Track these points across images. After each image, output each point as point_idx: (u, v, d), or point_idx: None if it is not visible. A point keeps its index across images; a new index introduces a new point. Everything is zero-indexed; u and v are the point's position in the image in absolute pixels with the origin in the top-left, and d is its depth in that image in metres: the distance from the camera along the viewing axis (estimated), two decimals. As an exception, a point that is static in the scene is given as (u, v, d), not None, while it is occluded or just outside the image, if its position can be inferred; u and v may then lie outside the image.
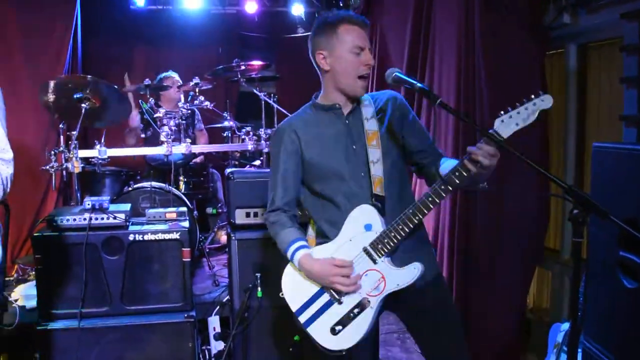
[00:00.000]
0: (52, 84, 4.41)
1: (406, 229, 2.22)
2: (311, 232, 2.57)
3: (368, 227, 2.29)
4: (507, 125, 2.03)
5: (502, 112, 2.03)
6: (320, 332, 2.32)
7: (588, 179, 2.96)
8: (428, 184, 2.53)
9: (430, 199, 2.18)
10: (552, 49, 3.79)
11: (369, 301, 2.28)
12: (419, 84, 2.16)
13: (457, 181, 2.12)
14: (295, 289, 2.39)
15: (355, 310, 2.29)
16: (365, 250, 2.28)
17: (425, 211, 2.20)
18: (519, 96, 3.52)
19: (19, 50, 5.54)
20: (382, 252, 2.26)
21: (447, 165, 2.32)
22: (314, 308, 2.35)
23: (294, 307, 2.38)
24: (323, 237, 2.46)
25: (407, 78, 2.23)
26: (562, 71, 3.77)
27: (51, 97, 4.50)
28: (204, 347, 3.92)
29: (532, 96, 2.01)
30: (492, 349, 3.79)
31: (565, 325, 3.03)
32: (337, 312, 2.30)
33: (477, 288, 3.85)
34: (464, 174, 2.10)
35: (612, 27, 3.19)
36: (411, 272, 2.25)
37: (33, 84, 5.27)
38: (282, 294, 2.44)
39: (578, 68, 3.65)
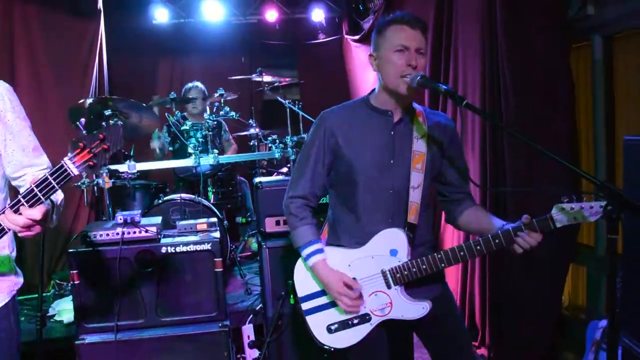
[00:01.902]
0: (80, 105, 4.49)
1: (429, 271, 2.24)
2: (326, 226, 2.58)
3: (393, 252, 2.29)
4: (564, 215, 2.02)
5: (564, 199, 1.98)
6: (317, 325, 2.38)
7: (619, 173, 2.90)
8: (448, 220, 2.55)
9: (462, 253, 2.19)
10: (577, 42, 3.73)
11: (370, 318, 2.32)
12: (444, 87, 2.14)
13: (494, 248, 2.14)
14: (305, 278, 2.44)
15: (355, 320, 2.33)
16: (383, 273, 2.30)
17: (454, 263, 2.22)
18: (545, 93, 3.51)
19: (47, 71, 5.65)
20: (399, 282, 2.28)
21: (477, 217, 2.35)
22: (318, 302, 2.40)
23: (300, 293, 2.44)
24: (333, 237, 2.48)
25: (431, 81, 2.22)
26: (589, 64, 3.71)
27: (82, 120, 4.59)
28: (239, 356, 3.94)
29: (600, 194, 1.95)
30: (529, 350, 3.74)
31: (603, 323, 2.98)
32: (338, 314, 2.35)
33: (510, 288, 3.81)
34: (503, 245, 2.12)
35: (637, 16, 3.14)
36: (419, 310, 2.29)
37: (61, 103, 5.37)
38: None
39: (604, 60, 3.59)
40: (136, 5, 6.85)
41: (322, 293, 2.38)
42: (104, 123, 1.76)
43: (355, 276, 2.32)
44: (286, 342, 3.59)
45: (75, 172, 1.77)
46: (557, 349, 3.80)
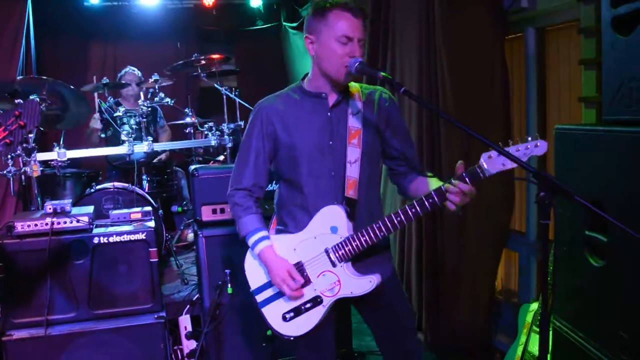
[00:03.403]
0: (6, 85, 4.29)
1: (369, 242, 2.23)
2: (274, 216, 2.56)
3: (334, 229, 2.28)
4: (493, 162, 2.02)
5: (491, 148, 1.95)
6: (272, 315, 2.37)
7: (551, 162, 2.98)
8: (400, 192, 2.54)
9: (399, 219, 2.19)
10: (512, 33, 3.81)
11: (321, 300, 2.31)
12: (382, 73, 2.13)
13: (429, 208, 2.14)
14: (255, 269, 2.41)
15: (308, 305, 2.32)
16: (326, 251, 2.29)
17: (392, 230, 2.21)
18: (482, 81, 3.58)
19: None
20: (343, 258, 2.27)
21: (424, 184, 2.33)
22: (270, 292, 2.38)
23: (252, 286, 2.42)
24: (281, 224, 2.47)
25: (370, 68, 2.21)
26: (522, 55, 3.80)
27: (6, 101, 4.37)
28: (176, 347, 3.87)
29: (529, 138, 1.98)
30: (464, 333, 3.83)
31: (534, 306, 3.07)
32: (290, 301, 2.33)
33: (445, 274, 3.89)
34: (437, 204, 2.11)
35: (570, 10, 3.23)
36: (366, 284, 2.28)
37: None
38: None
39: (537, 51, 3.69)
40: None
41: (272, 283, 2.36)
42: (19, 100, 1.67)
43: (301, 259, 2.31)
44: (224, 331, 3.55)
45: None
46: (491, 332, 3.91)
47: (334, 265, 2.28)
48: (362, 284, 2.27)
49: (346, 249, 2.25)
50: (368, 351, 3.94)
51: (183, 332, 3.87)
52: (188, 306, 3.96)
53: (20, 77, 5.35)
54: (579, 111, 3.16)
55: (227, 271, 3.48)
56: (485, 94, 3.60)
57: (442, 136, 3.76)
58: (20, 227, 3.24)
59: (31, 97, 1.69)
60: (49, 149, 4.47)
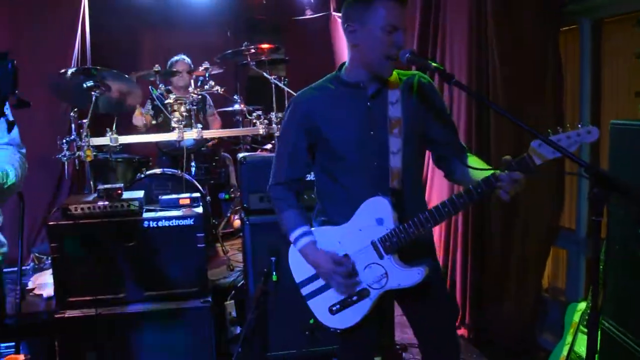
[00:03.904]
0: (62, 74, 4.41)
1: (417, 233, 2.20)
2: (315, 210, 2.54)
3: (380, 221, 2.25)
4: (543, 150, 1.95)
5: (542, 135, 1.91)
6: (318, 308, 2.36)
7: (605, 157, 2.91)
8: (446, 177, 2.49)
9: (446, 209, 2.14)
10: (567, 25, 3.72)
11: (368, 292, 2.28)
12: (433, 64, 2.08)
13: (478, 198, 2.09)
14: (300, 262, 2.40)
15: (354, 298, 2.29)
16: (373, 244, 2.26)
17: (440, 221, 2.17)
18: (534, 74, 3.51)
19: (29, 43, 5.53)
20: (390, 250, 2.24)
21: (472, 169, 2.27)
22: (315, 285, 2.37)
23: (297, 279, 2.42)
24: (323, 215, 2.45)
25: (421, 58, 2.16)
26: (577, 47, 3.71)
27: (62, 87, 4.51)
28: (220, 331, 3.94)
29: (579, 125, 1.92)
30: (509, 331, 3.79)
31: (582, 305, 3.00)
32: (337, 294, 2.32)
33: (491, 270, 3.84)
34: (486, 193, 2.07)
35: (627, 1, 3.14)
36: (414, 276, 2.24)
37: (43, 75, 5.28)
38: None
39: (592, 44, 3.59)
40: (121, -24, 6.72)
41: (318, 276, 2.35)
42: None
43: (347, 252, 2.29)
44: (268, 318, 3.58)
45: None
46: (536, 330, 3.85)
47: (380, 257, 2.26)
48: (410, 276, 2.24)
49: (393, 240, 2.22)
50: (409, 344, 3.92)
51: (228, 317, 3.93)
52: (233, 292, 4.03)
53: (75, 68, 5.49)
54: (634, 106, 3.07)
55: (273, 259, 3.51)
56: (537, 87, 3.53)
57: (491, 128, 3.71)
58: (74, 209, 3.32)
59: (7, 61, 1.57)
60: (102, 134, 4.59)
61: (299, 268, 2.41)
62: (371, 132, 2.30)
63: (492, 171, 2.08)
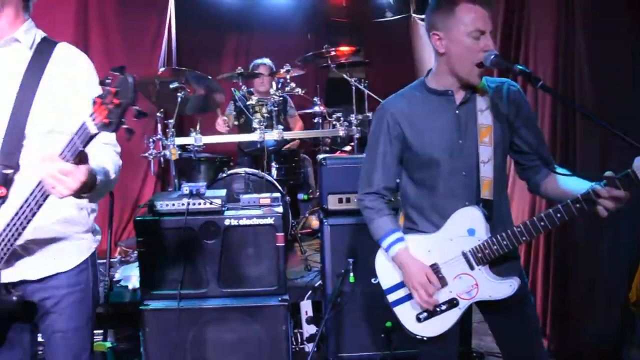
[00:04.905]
0: (150, 76, 4.59)
1: (511, 247, 2.15)
2: (401, 214, 2.52)
3: (471, 232, 2.22)
4: None
5: None
6: (405, 315, 2.33)
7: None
8: (531, 189, 2.42)
9: (542, 223, 2.09)
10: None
11: (458, 302, 2.25)
12: (519, 67, 2.03)
13: (576, 214, 2.02)
14: (388, 268, 2.38)
15: (443, 307, 2.26)
16: (464, 254, 2.23)
17: (535, 235, 2.12)
18: (625, 80, 3.36)
19: (118, 45, 5.79)
20: (482, 261, 2.20)
21: (557, 181, 2.21)
22: (403, 292, 2.34)
23: (384, 285, 2.39)
24: (410, 222, 2.42)
25: (506, 61, 2.11)
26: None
27: (149, 89, 4.69)
28: (296, 331, 3.98)
29: None
30: (592, 344, 3.64)
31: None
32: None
33: (574, 280, 3.70)
34: (585, 209, 2.00)
35: None
36: (506, 288, 2.20)
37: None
38: (374, 280, 2.43)
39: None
40: (206, -20, 6.92)
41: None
42: (115, 73, 1.70)
43: (437, 261, 2.27)
44: (344, 319, 3.59)
45: (95, 130, 1.68)
46: (623, 344, 3.68)
47: (471, 268, 2.22)
48: (501, 288, 2.21)
49: (485, 252, 2.18)
50: (487, 352, 3.84)
51: (304, 317, 3.96)
52: (310, 292, 4.05)
53: (163, 68, 5.69)
54: None
55: (351, 260, 3.51)
56: (629, 91, 3.38)
57: (577, 134, 3.57)
58: (159, 205, 3.43)
59: (128, 75, 1.67)
60: (186, 134, 4.74)
61: (388, 274, 2.38)
62: (460, 142, 2.27)
63: (586, 184, 2.02)
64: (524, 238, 2.13)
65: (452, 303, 2.25)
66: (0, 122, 1.98)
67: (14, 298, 2.01)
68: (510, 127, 2.29)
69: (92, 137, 1.69)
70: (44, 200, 1.84)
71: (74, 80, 2.07)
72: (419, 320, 2.29)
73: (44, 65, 2.03)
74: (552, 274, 3.80)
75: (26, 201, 1.86)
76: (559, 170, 2.25)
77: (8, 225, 1.90)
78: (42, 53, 2.05)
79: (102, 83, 1.65)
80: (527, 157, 2.35)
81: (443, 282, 2.25)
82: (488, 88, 2.29)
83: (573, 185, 2.13)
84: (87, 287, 2.21)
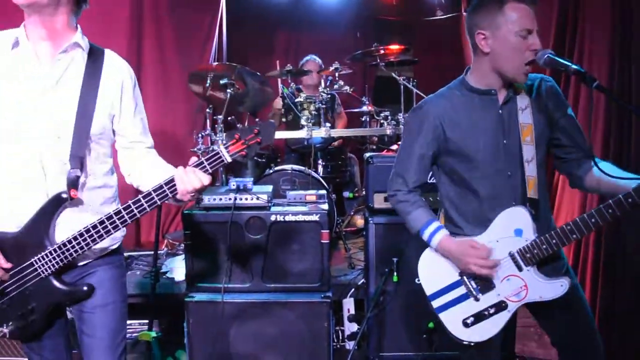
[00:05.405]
0: (200, 72, 4.66)
1: (560, 245, 2.12)
2: (441, 214, 2.50)
3: (518, 232, 2.19)
4: None
5: None
6: (451, 321, 2.30)
7: None
8: (573, 183, 2.36)
9: (593, 220, 2.05)
10: None
11: (506, 305, 2.22)
12: (573, 66, 2.00)
13: (629, 208, 1.98)
14: (431, 274, 2.36)
15: (492, 310, 2.24)
16: (511, 255, 2.20)
17: (586, 232, 2.08)
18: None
19: (171, 42, 5.90)
20: (530, 262, 2.17)
21: (610, 173, 2.12)
22: (448, 297, 2.31)
23: (428, 292, 2.36)
24: (452, 225, 2.39)
25: (561, 59, 2.06)
26: None
27: (199, 85, 4.76)
28: (337, 328, 3.99)
29: None
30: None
31: None
32: (472, 306, 2.26)
33: (624, 285, 3.60)
34: (638, 203, 1.95)
35: None
36: (557, 288, 2.17)
37: (182, 72, 5.61)
38: (418, 280, 2.41)
39: None
40: (257, -23, 6.99)
41: (452, 287, 2.31)
42: (258, 120, 1.91)
43: None
44: (386, 319, 3.58)
45: (228, 159, 1.97)
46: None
47: (520, 269, 2.19)
48: (552, 288, 2.17)
49: (534, 252, 2.16)
50: (530, 357, 3.78)
51: (346, 314, 3.97)
52: (353, 289, 4.05)
53: (215, 63, 5.78)
54: None
55: (395, 259, 3.50)
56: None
57: (633, 135, 3.48)
58: (207, 200, 3.48)
59: (270, 121, 1.94)
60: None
61: (432, 279, 2.36)
62: (504, 141, 2.25)
63: (635, 179, 1.97)
64: (574, 236, 2.09)
65: (500, 306, 2.22)
66: (66, 126, 2.05)
67: (69, 288, 2.09)
68: (550, 122, 2.27)
69: (223, 164, 1.97)
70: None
71: (121, 87, 2.18)
72: (466, 325, 2.26)
73: (100, 69, 2.13)
74: (600, 279, 3.70)
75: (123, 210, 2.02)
76: (604, 168, 2.18)
77: (89, 229, 2.03)
78: (96, 58, 2.14)
79: (233, 123, 1.89)
80: (567, 150, 2.31)
81: (490, 285, 2.23)
82: (525, 86, 2.27)
83: (620, 179, 2.08)
84: (121, 264, 2.33)
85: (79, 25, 2.12)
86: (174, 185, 1.98)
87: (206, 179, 1.96)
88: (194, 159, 1.99)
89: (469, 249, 2.21)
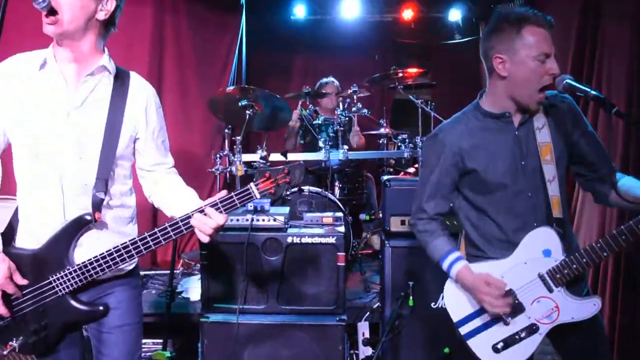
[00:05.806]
0: (220, 93, 4.71)
1: (590, 264, 2.09)
2: (462, 240, 2.48)
3: (547, 253, 2.17)
4: None
5: None
6: (481, 347, 2.26)
7: None
8: (598, 199, 2.32)
9: (624, 237, 2.02)
10: None
11: (538, 327, 2.19)
12: (592, 92, 1.99)
13: None
14: (459, 299, 2.33)
15: (522, 334, 2.20)
16: (540, 276, 2.17)
17: (616, 249, 2.05)
18: None
19: (191, 62, 5.99)
20: (560, 282, 2.14)
21: (627, 189, 2.10)
22: (477, 322, 2.28)
23: (455, 318, 2.32)
24: (474, 249, 2.37)
25: (580, 85, 2.05)
26: None
27: (219, 105, 4.82)
28: (352, 351, 3.95)
29: None
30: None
31: None
32: (502, 331, 2.22)
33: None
34: None
35: None
36: (589, 308, 2.14)
37: (201, 92, 5.69)
38: (442, 304, 2.38)
39: None
40: (276, 0, 7.07)
41: (479, 313, 2.27)
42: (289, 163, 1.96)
43: (512, 287, 2.21)
44: (401, 343, 3.55)
45: (258, 196, 2.04)
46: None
47: (550, 290, 2.16)
48: (584, 308, 2.14)
49: (564, 272, 2.12)
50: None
51: (360, 338, 3.93)
52: (368, 313, 4.02)
53: (232, 87, 5.84)
54: None
55: (411, 283, 3.48)
56: None
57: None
58: (224, 220, 3.50)
59: (300, 163, 2.06)
60: (252, 151, 4.82)
61: (458, 305, 2.33)
62: (522, 162, 2.24)
63: None
64: (605, 254, 2.06)
65: (531, 329, 2.19)
66: (89, 147, 2.08)
67: (85, 307, 2.11)
68: (569, 140, 2.25)
69: (252, 200, 2.05)
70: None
71: (145, 110, 2.21)
72: (496, 350, 2.22)
73: (126, 92, 2.16)
74: (620, 293, 3.64)
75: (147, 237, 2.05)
76: (628, 182, 2.16)
77: (112, 252, 2.06)
78: (122, 81, 2.17)
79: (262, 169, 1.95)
80: (588, 167, 2.29)
81: (520, 308, 2.20)
82: (541, 104, 2.25)
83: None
84: (137, 285, 2.35)
85: (106, 48, 2.15)
86: (189, 223, 2.04)
87: (222, 219, 2.02)
88: (223, 193, 2.04)
89: (482, 285, 2.19)
